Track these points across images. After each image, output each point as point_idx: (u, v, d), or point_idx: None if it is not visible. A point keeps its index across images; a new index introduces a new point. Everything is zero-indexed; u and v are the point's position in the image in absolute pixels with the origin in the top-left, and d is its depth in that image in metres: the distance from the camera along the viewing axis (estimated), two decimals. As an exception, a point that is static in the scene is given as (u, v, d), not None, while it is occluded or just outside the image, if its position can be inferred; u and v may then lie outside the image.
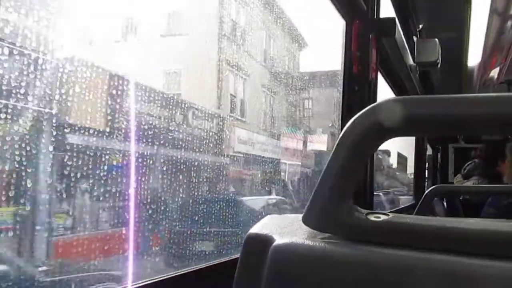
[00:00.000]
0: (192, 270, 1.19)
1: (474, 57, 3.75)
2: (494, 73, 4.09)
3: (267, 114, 25.63)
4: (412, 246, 0.49)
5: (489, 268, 0.45)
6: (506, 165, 3.57)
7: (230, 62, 18.91)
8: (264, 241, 0.56)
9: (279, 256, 0.53)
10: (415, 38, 2.83)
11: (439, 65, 2.77)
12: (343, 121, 1.81)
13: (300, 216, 0.56)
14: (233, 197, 11.23)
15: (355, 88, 1.83)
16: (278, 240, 0.55)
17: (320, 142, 27.48)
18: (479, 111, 0.46)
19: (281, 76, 25.04)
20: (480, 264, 0.45)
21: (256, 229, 0.60)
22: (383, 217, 0.52)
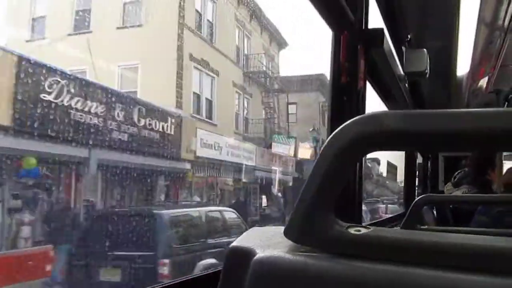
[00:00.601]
0: (175, 282, 1.19)
1: (463, 66, 3.78)
2: (483, 82, 4.13)
3: (241, 117, 25.28)
4: (392, 259, 0.49)
5: (473, 283, 0.45)
6: (495, 173, 3.60)
7: (195, 58, 16.72)
8: (246, 254, 0.56)
9: (260, 269, 0.53)
10: (403, 48, 2.85)
11: (427, 75, 2.79)
12: (331, 132, 1.80)
13: (283, 228, 0.56)
14: (150, 211, 9.22)
15: (344, 98, 1.84)
16: (260, 253, 0.55)
17: (303, 148, 25.58)
18: (463, 127, 0.46)
19: (258, 77, 22.17)
20: (462, 278, 0.45)
21: (238, 241, 0.60)
22: (363, 230, 0.52)
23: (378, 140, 0.48)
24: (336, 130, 0.50)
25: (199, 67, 19.06)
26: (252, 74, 24.75)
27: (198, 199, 18.43)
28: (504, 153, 5.61)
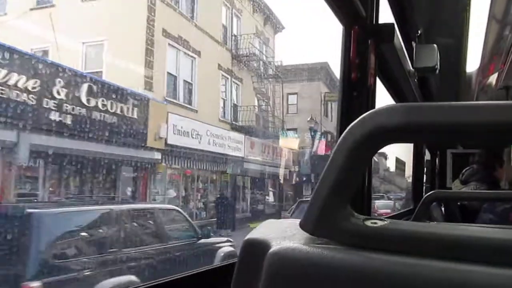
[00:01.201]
0: (189, 274, 1.19)
1: (472, 62, 3.76)
2: (493, 79, 4.11)
3: (229, 104, 22.85)
4: (409, 252, 0.49)
5: (487, 275, 0.45)
6: (504, 170, 3.59)
7: (170, 34, 14.91)
8: (261, 246, 0.57)
9: (276, 261, 0.54)
10: (414, 44, 2.84)
11: (437, 71, 2.78)
12: (341, 127, 1.80)
13: (298, 221, 0.56)
14: (19, 209, 6.11)
15: (354, 94, 1.83)
16: (275, 245, 0.55)
17: (303, 140, 25.14)
18: (476, 119, 0.46)
19: (249, 60, 21.06)
20: (478, 271, 0.46)
21: (254, 234, 0.61)
22: (380, 223, 0.52)
23: (395, 132, 0.48)
24: (353, 123, 0.50)
25: (175, 45, 16.83)
26: (243, 57, 22.53)
27: (174, 193, 17.01)
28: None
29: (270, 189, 26.54)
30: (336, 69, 2.20)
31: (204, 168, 18.63)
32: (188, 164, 17.40)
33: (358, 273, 0.49)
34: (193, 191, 18.92)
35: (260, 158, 23.17)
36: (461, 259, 0.47)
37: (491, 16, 2.91)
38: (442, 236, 0.50)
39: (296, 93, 29.27)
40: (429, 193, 1.92)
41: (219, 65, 20.55)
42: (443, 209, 3.69)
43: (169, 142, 15.33)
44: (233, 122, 21.80)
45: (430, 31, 3.01)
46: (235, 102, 22.76)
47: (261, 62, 24.57)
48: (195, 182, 18.93)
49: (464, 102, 0.47)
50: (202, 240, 8.09)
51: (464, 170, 3.87)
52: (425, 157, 4.95)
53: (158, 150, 14.88)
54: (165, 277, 1.10)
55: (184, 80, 17.87)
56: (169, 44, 16.54)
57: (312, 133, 26.75)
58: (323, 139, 27.22)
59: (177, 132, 15.92)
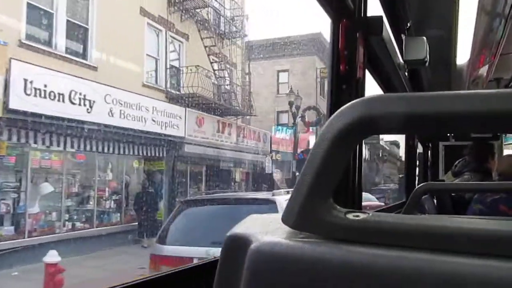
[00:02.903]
0: (172, 271, 1.19)
1: (463, 54, 3.77)
2: (483, 71, 4.12)
3: (163, 66, 16.05)
4: (390, 244, 0.49)
5: (470, 267, 0.45)
6: (495, 161, 3.62)
7: None
8: (243, 241, 0.56)
9: (257, 256, 0.54)
10: (403, 36, 2.85)
11: (427, 63, 2.78)
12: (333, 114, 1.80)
13: (281, 214, 0.56)
14: None
15: (343, 86, 1.84)
16: (257, 240, 0.55)
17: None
18: (458, 109, 0.46)
19: (197, 11, 17.27)
20: (461, 262, 0.46)
21: (236, 229, 0.60)
22: (362, 216, 0.52)
23: (375, 124, 0.48)
24: (333, 115, 0.50)
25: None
26: (189, 6, 16.95)
27: (49, 188, 11.81)
28: (505, 142, 5.62)
29: (238, 181, 21.96)
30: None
31: (114, 151, 13.44)
32: (79, 145, 12.26)
33: (340, 267, 0.49)
34: (95, 184, 13.76)
35: (217, 140, 18.26)
36: (444, 250, 0.47)
37: (480, 8, 2.91)
38: (424, 227, 0.50)
39: (287, 70, 25.19)
40: (420, 185, 1.92)
41: (142, 10, 15.15)
42: (435, 200, 3.71)
43: (12, 106, 10.05)
44: (170, 90, 16.40)
45: (420, 23, 3.02)
46: (177, 65, 17.19)
47: (220, 18, 19.40)
48: (95, 171, 13.83)
49: (444, 91, 0.48)
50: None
51: (456, 162, 3.90)
52: (418, 149, 4.97)
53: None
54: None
55: (70, 21, 12.54)
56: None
57: (291, 125, 22.61)
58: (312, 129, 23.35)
59: (37, 94, 10.63)
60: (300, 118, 22.19)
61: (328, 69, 1.87)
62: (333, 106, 1.83)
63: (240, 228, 0.60)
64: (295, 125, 22.33)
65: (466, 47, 3.57)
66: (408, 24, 2.94)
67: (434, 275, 0.45)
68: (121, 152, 13.84)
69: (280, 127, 25.11)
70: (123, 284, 1.04)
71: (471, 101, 0.46)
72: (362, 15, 1.97)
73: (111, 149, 13.33)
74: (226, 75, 19.93)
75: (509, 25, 2.88)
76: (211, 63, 18.37)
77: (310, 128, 24.14)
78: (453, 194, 3.46)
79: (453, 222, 0.51)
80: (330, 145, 0.50)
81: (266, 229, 0.58)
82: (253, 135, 21.93)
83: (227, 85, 19.91)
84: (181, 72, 17.25)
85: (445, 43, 3.42)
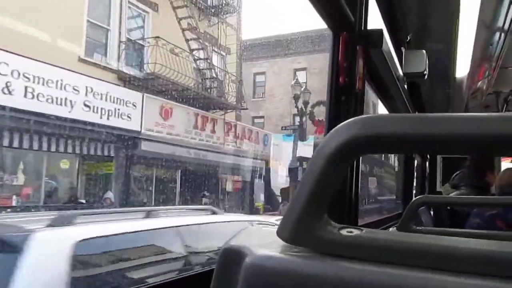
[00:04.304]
0: (168, 280, 1.20)
1: (462, 68, 3.78)
2: (483, 84, 4.13)
3: (116, 37, 12.71)
4: (382, 261, 0.50)
5: (461, 285, 0.45)
6: (494, 176, 3.62)
7: None
8: (239, 254, 0.57)
9: (252, 269, 0.54)
10: (403, 49, 2.86)
11: (426, 76, 2.80)
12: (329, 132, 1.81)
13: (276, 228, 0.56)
14: None
15: (342, 98, 1.84)
16: (252, 253, 0.55)
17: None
18: (449, 130, 0.47)
19: None
20: (452, 281, 0.46)
21: (232, 241, 0.61)
22: (355, 232, 0.53)
23: (369, 143, 0.49)
24: (329, 133, 0.51)
25: None
26: None
27: None
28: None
29: (230, 191, 18.02)
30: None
31: (21, 144, 9.78)
32: None
33: (332, 282, 0.50)
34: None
35: (194, 139, 14.56)
36: (437, 268, 0.47)
37: (480, 22, 2.93)
38: (417, 245, 0.51)
39: (304, 69, 21.78)
40: (416, 198, 1.92)
41: None
42: (432, 213, 3.71)
43: None
44: (124, 71, 12.60)
45: (420, 36, 3.03)
46: (141, 41, 13.51)
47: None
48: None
49: (437, 113, 0.48)
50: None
51: (454, 174, 3.90)
52: (415, 161, 4.98)
53: None
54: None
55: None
56: None
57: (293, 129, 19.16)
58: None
59: None
60: (308, 116, 19.13)
61: (328, 81, 1.87)
62: (332, 118, 1.84)
63: (236, 240, 0.61)
64: (300, 126, 19.24)
65: (466, 60, 3.58)
66: (408, 37, 2.95)
67: None
68: (36, 147, 10.08)
69: (278, 136, 20.98)
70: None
71: (466, 124, 0.46)
72: (363, 28, 1.98)
73: (15, 142, 9.57)
74: (215, 61, 16.30)
75: (509, 38, 2.90)
76: (187, 40, 14.56)
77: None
78: (450, 208, 3.46)
79: (447, 241, 0.51)
80: (326, 163, 0.50)
81: (261, 242, 0.59)
82: (250, 135, 17.89)
83: (210, 73, 15.76)
84: (145, 50, 13.36)
85: (444, 56, 3.43)
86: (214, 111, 16.16)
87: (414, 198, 2.01)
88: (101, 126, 11.18)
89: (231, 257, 0.58)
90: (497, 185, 2.99)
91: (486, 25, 3.00)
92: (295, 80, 19.08)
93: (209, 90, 15.80)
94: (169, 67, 13.04)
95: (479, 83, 4.15)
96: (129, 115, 12.01)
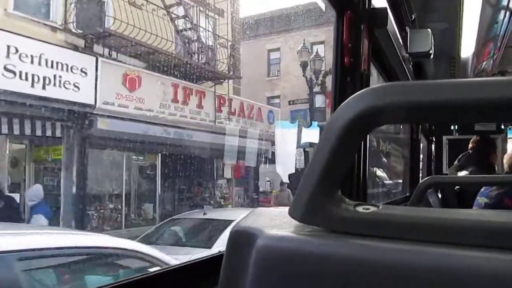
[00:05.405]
0: (178, 266, 1.20)
1: (467, 47, 3.76)
2: (488, 64, 4.11)
3: None
4: (402, 238, 0.48)
5: (483, 260, 0.44)
6: (497, 155, 3.63)
7: None
8: (250, 234, 0.56)
9: (264, 250, 0.53)
10: (407, 29, 2.83)
11: (431, 56, 2.77)
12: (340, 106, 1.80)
13: (287, 208, 0.55)
14: None
15: (347, 79, 1.83)
16: (264, 234, 0.54)
17: None
18: (465, 96, 0.45)
19: None
20: (473, 255, 0.45)
21: (242, 222, 0.60)
22: (372, 209, 0.51)
23: (383, 114, 0.47)
24: (340, 106, 0.50)
25: None
26: None
27: None
28: (509, 136, 5.61)
29: (229, 178, 15.32)
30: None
31: None
32: None
33: (349, 260, 0.49)
34: None
35: (173, 115, 11.72)
36: (456, 243, 0.46)
37: (485, 1, 2.90)
38: (436, 220, 0.49)
39: (322, 42, 19.00)
40: (425, 179, 1.92)
41: None
42: (439, 194, 3.71)
43: None
44: (73, 30, 9.87)
45: (424, 15, 3.00)
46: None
47: None
48: None
49: (451, 79, 0.47)
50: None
51: (460, 156, 3.90)
52: (421, 143, 4.97)
53: None
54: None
55: None
56: None
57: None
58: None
59: None
60: (319, 86, 16.37)
61: (333, 61, 1.85)
62: (338, 99, 1.82)
63: (246, 222, 0.60)
64: (310, 101, 16.37)
65: (471, 39, 3.55)
66: (413, 16, 2.92)
67: (446, 269, 0.45)
68: None
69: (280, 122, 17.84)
70: (131, 278, 1.05)
71: (478, 89, 0.45)
72: (367, 6, 1.95)
73: None
74: (203, 24, 13.46)
75: (514, 17, 2.87)
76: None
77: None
78: (457, 188, 3.46)
79: (465, 215, 0.50)
80: (338, 137, 0.49)
81: (272, 223, 0.58)
82: (251, 112, 14.93)
83: (193, 35, 13.02)
84: (105, 5, 10.53)
85: (449, 36, 3.40)
86: (201, 82, 13.08)
87: (421, 180, 2.01)
88: (35, 98, 8.71)
89: (242, 238, 0.57)
90: (507, 164, 2.99)
91: (491, 3, 2.97)
92: (314, 54, 16.22)
93: (191, 56, 12.77)
94: (136, 26, 10.06)
95: (484, 63, 4.13)
96: (76, 84, 9.35)
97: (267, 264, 0.53)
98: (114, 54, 10.59)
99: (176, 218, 8.86)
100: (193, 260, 1.25)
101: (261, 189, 16.37)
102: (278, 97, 21.17)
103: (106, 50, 10.41)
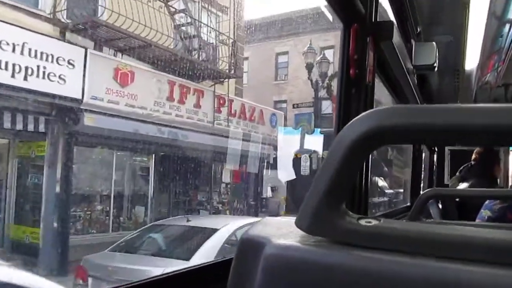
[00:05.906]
0: (186, 270, 1.21)
1: (471, 60, 3.77)
2: (492, 76, 4.11)
3: None
4: (402, 251, 0.50)
5: (481, 275, 0.46)
6: (500, 167, 3.62)
7: None
8: (257, 243, 0.57)
9: (271, 259, 0.55)
10: (413, 42, 2.85)
11: (436, 69, 2.79)
12: (339, 124, 1.82)
13: (294, 219, 0.57)
14: None
15: (352, 91, 1.84)
16: (271, 243, 0.56)
17: None
18: (469, 121, 0.47)
19: None
20: (472, 270, 0.46)
21: (250, 231, 0.61)
22: (374, 222, 0.54)
23: (390, 134, 0.50)
24: (349, 124, 0.52)
25: None
26: None
27: None
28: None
29: (229, 182, 14.46)
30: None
31: None
32: None
33: (352, 271, 0.51)
34: None
35: (169, 114, 11.07)
36: (455, 258, 0.47)
37: (491, 14, 2.91)
38: (435, 235, 0.51)
39: (332, 47, 18.16)
40: (425, 191, 1.93)
41: None
42: (440, 205, 3.71)
43: None
44: (59, 19, 9.15)
45: (429, 28, 3.02)
46: None
47: None
48: None
49: (457, 104, 0.49)
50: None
51: (462, 167, 3.90)
52: (424, 154, 4.97)
53: None
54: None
55: None
56: None
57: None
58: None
59: None
60: (325, 90, 15.65)
61: (338, 73, 1.87)
62: (342, 110, 1.84)
63: (253, 230, 0.62)
64: (314, 105, 15.79)
65: (475, 52, 3.57)
66: (418, 29, 2.94)
67: (445, 283, 0.46)
68: None
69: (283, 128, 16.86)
70: (141, 281, 1.06)
71: (482, 114, 0.47)
72: (373, 19, 1.97)
73: None
74: (206, 21, 12.75)
75: (519, 31, 2.88)
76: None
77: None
78: (458, 200, 3.46)
79: (465, 231, 0.52)
80: (343, 155, 0.51)
81: (279, 232, 0.60)
82: (252, 114, 14.23)
83: (192, 31, 12.31)
84: None
85: (454, 48, 3.42)
86: (200, 80, 12.28)
87: (422, 192, 2.01)
88: (17, 89, 8.00)
89: (250, 247, 0.59)
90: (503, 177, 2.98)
91: (497, 16, 2.98)
92: (321, 56, 15.55)
93: (190, 52, 12.10)
94: (129, 18, 9.30)
95: (488, 75, 4.13)
96: (62, 77, 8.62)
97: (274, 272, 0.55)
98: (105, 47, 9.93)
99: (158, 224, 8.43)
100: (201, 264, 1.27)
101: (264, 195, 15.77)
102: (285, 101, 20.65)
103: (97, 42, 9.72)
